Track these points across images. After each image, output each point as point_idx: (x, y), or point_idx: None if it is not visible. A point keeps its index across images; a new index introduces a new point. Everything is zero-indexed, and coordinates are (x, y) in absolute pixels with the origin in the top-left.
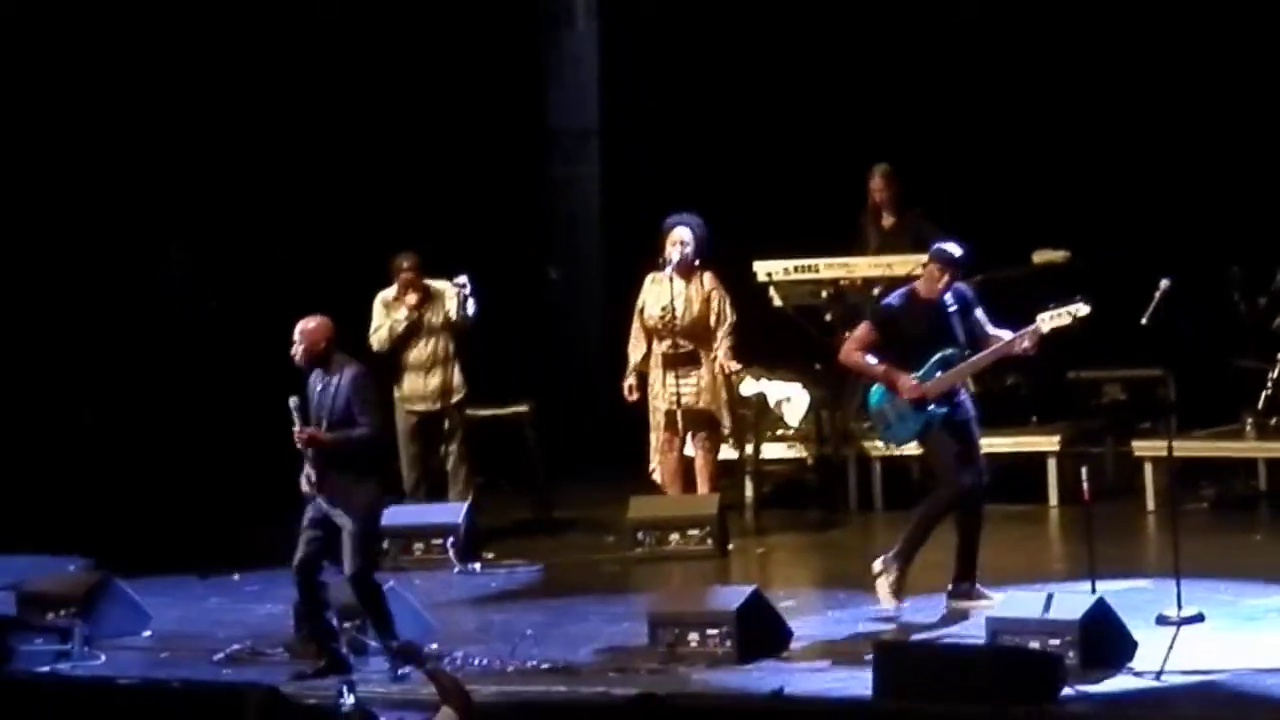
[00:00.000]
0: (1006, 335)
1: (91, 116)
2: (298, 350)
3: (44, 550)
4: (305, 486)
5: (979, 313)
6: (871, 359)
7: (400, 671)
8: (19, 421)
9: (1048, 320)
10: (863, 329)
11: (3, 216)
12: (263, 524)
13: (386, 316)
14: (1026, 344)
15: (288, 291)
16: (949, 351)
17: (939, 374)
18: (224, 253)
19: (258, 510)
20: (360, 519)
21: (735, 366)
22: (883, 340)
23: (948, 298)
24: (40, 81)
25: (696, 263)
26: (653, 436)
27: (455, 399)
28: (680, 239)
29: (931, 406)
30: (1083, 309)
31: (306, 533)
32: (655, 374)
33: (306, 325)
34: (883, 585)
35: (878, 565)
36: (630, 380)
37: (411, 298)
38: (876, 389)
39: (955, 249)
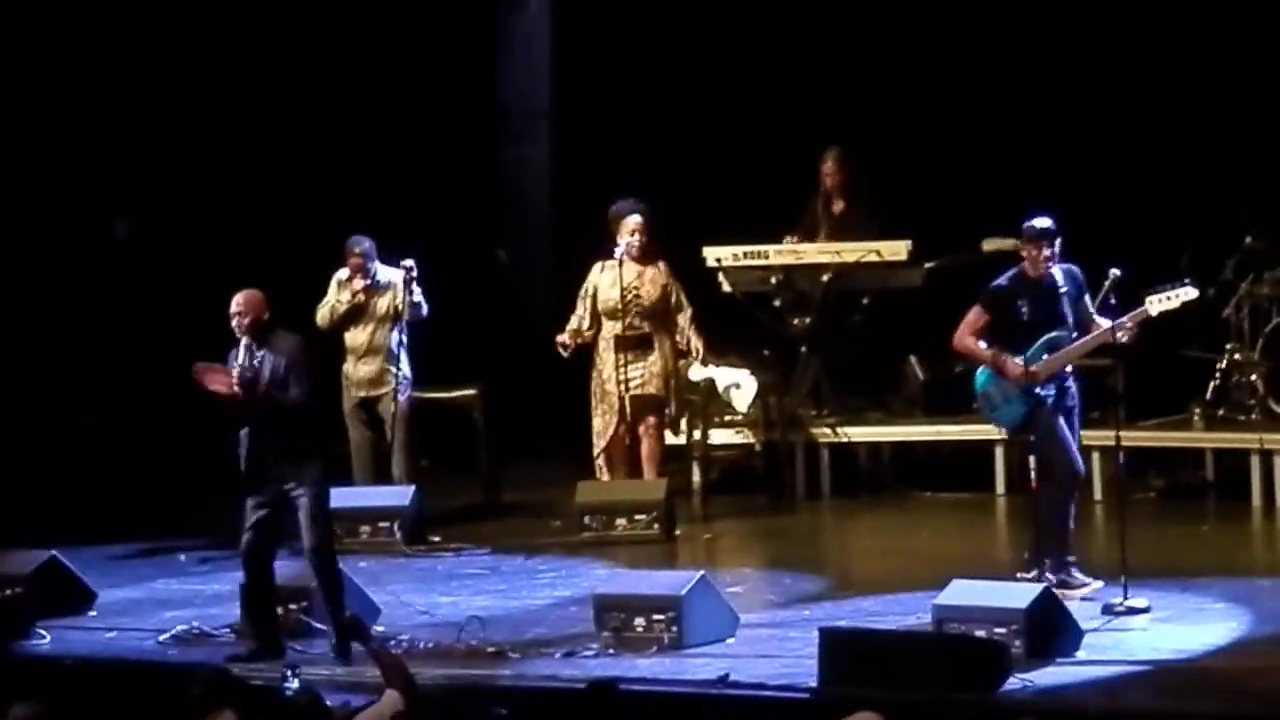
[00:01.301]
0: (1107, 322)
1: (73, 114)
2: (242, 321)
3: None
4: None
5: (1086, 298)
6: (980, 343)
7: (343, 653)
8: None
9: (1156, 304)
10: (972, 313)
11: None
12: (210, 504)
13: (336, 295)
14: (1130, 328)
15: (238, 272)
16: (1057, 334)
17: (1045, 356)
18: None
19: (204, 490)
20: (314, 491)
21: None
22: (993, 322)
23: (1059, 278)
24: (35, 84)
25: (650, 245)
26: (596, 419)
27: (389, 388)
28: (635, 225)
29: (1038, 390)
30: (1191, 292)
31: (253, 515)
32: (605, 356)
33: (250, 296)
34: (1069, 592)
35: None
36: (565, 337)
37: (358, 283)
38: (983, 371)
39: (1042, 221)
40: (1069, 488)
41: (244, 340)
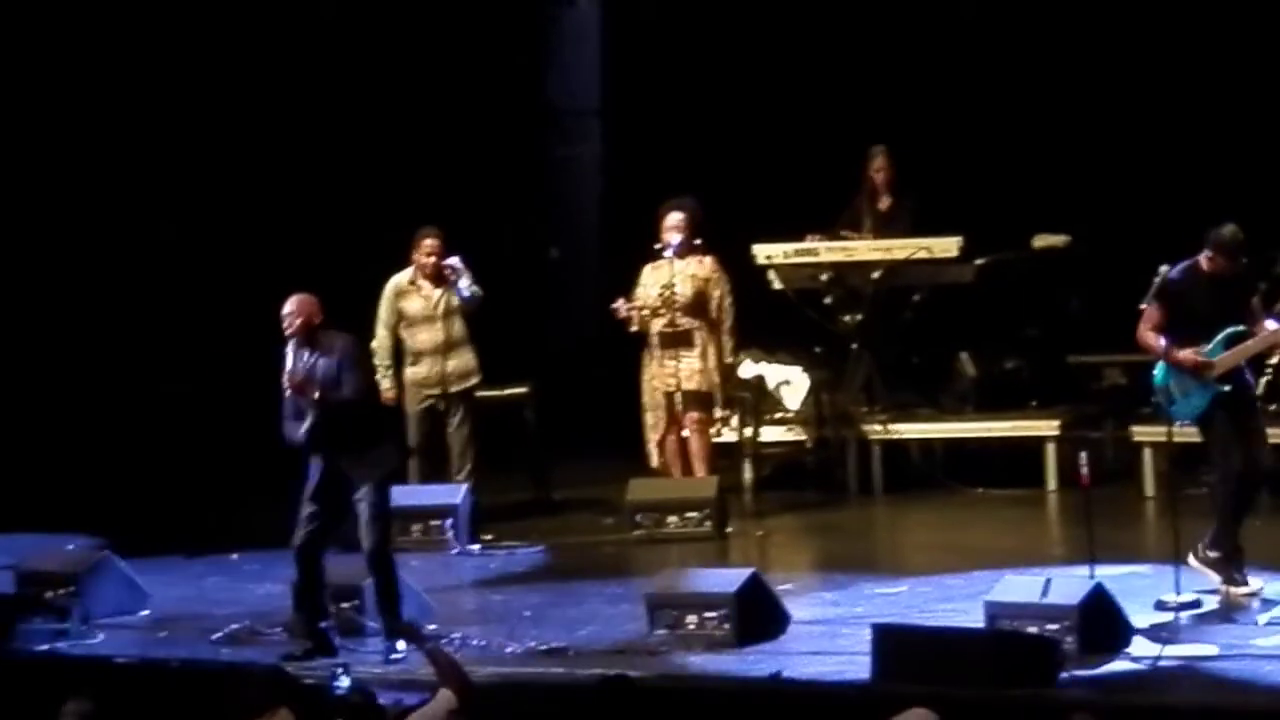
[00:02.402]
0: (1272, 324)
1: (100, 112)
2: (294, 324)
3: (45, 529)
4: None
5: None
6: (1160, 338)
7: (394, 655)
8: (24, 400)
9: None
10: (1151, 309)
11: (24, 199)
12: (262, 503)
13: (394, 307)
14: None
15: (286, 271)
16: (1236, 328)
17: (1224, 351)
18: (220, 230)
19: (257, 490)
20: (376, 490)
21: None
22: (1170, 316)
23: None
24: (54, 79)
25: (697, 242)
26: (647, 417)
27: (470, 383)
28: (677, 224)
29: (1216, 384)
30: None
31: (307, 510)
32: (650, 354)
33: (302, 300)
34: (1208, 571)
35: (1194, 558)
36: (622, 302)
37: (425, 285)
38: (1160, 366)
39: (1235, 232)
40: (1247, 482)
41: (292, 343)
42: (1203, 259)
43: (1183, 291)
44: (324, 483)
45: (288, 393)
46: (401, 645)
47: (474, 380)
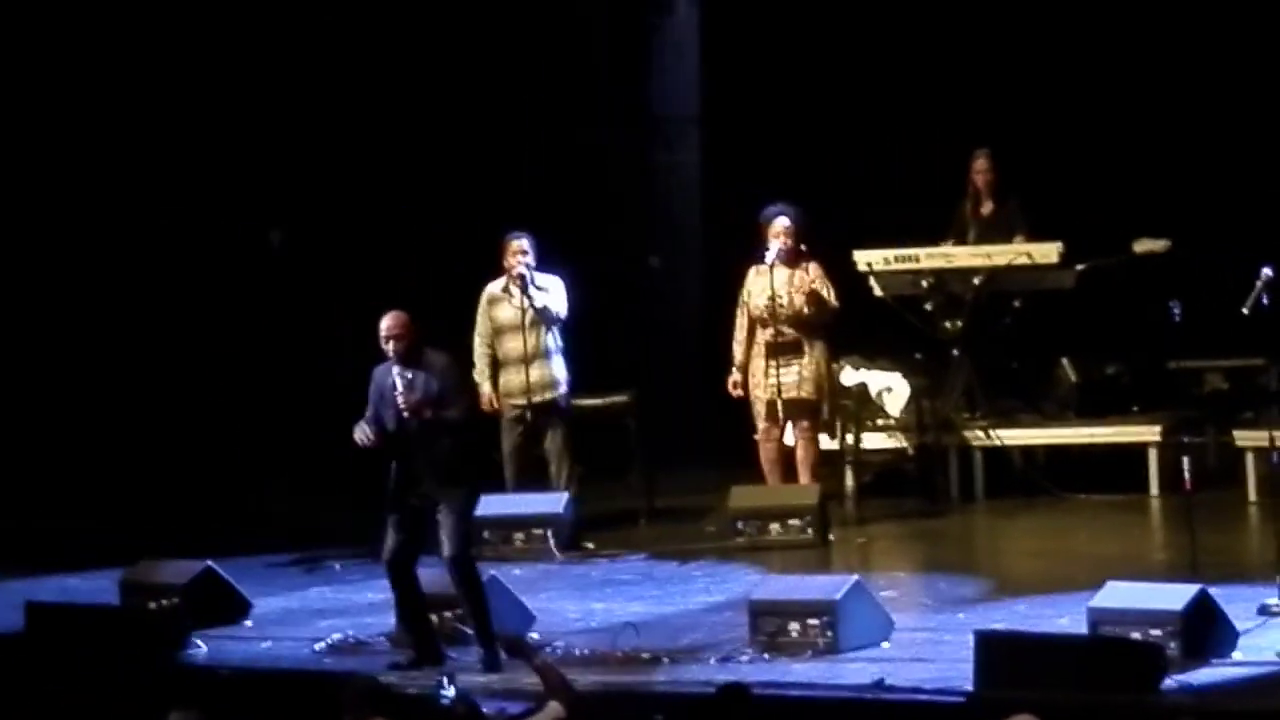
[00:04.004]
0: None
1: (188, 108)
2: (397, 345)
3: (150, 546)
4: (360, 437)
5: None
6: None
7: (491, 663)
8: (123, 417)
9: None
10: None
11: (117, 198)
12: (364, 512)
13: (488, 315)
14: None
15: (384, 279)
16: None
17: None
18: (323, 237)
19: (359, 499)
20: (460, 501)
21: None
22: None
23: None
24: (200, 92)
25: (803, 248)
26: (759, 422)
27: (553, 394)
28: (782, 229)
29: None
30: None
31: (394, 524)
32: (757, 363)
33: (401, 318)
34: None
35: None
36: (735, 377)
37: (515, 290)
38: None
39: None
40: None
41: (397, 366)
42: None
43: None
44: (406, 494)
45: (402, 409)
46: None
47: (557, 392)
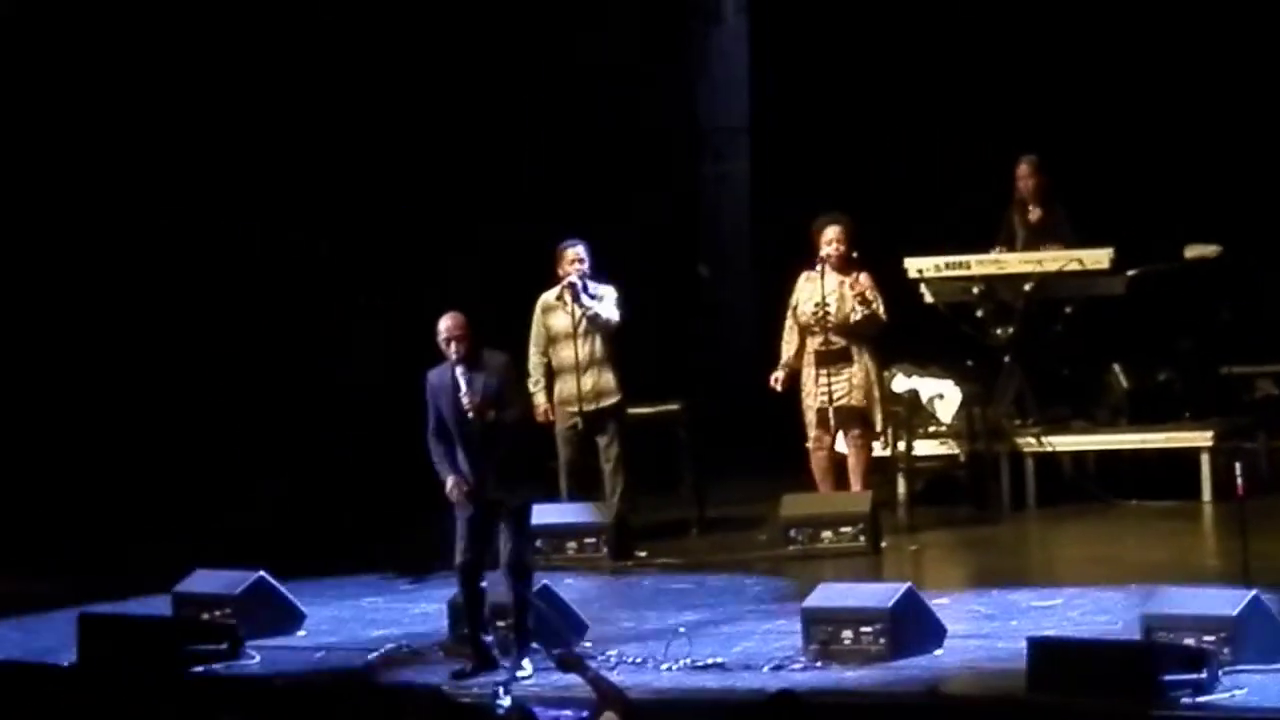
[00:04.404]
0: None
1: (239, 110)
2: (458, 346)
3: (204, 557)
4: (455, 494)
5: None
6: None
7: (519, 672)
8: (167, 423)
9: None
10: None
11: (160, 207)
12: (416, 523)
13: (542, 324)
14: None
15: (436, 288)
16: None
17: None
18: (371, 246)
19: (410, 509)
20: (522, 504)
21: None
22: None
23: None
24: (182, 74)
25: (855, 255)
26: (809, 430)
27: (608, 402)
28: (832, 237)
29: None
30: None
31: (467, 531)
32: (808, 371)
33: (459, 319)
34: None
35: None
36: (779, 374)
37: (568, 296)
38: None
39: None
40: None
41: (459, 367)
42: None
43: None
44: (474, 497)
45: (466, 411)
46: (527, 663)
47: (611, 400)
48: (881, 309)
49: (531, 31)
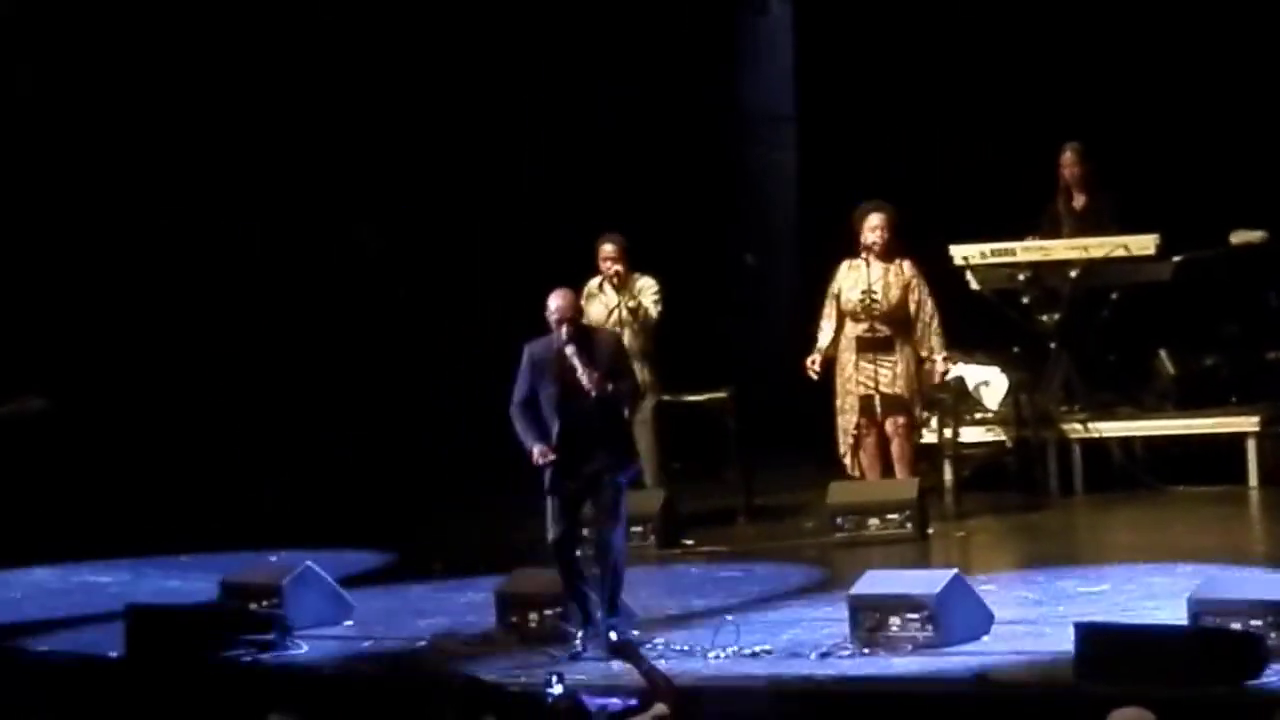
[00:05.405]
0: None
1: (274, 98)
2: (569, 326)
3: (248, 544)
4: (540, 461)
5: None
6: None
7: (611, 635)
8: (217, 414)
9: None
10: None
11: (198, 196)
12: (463, 514)
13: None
14: None
15: (479, 278)
16: None
17: None
18: (415, 236)
19: (455, 499)
20: (627, 479)
21: (945, 368)
22: None
23: None
24: (221, 63)
25: (898, 243)
26: (840, 420)
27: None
28: (878, 224)
29: None
30: None
31: (561, 508)
32: (847, 357)
33: (569, 298)
34: None
35: None
36: (815, 357)
37: (609, 289)
38: None
39: None
40: None
41: (571, 346)
42: None
43: None
44: (568, 477)
45: (587, 388)
46: (613, 635)
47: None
48: (929, 302)
49: (579, 18)
